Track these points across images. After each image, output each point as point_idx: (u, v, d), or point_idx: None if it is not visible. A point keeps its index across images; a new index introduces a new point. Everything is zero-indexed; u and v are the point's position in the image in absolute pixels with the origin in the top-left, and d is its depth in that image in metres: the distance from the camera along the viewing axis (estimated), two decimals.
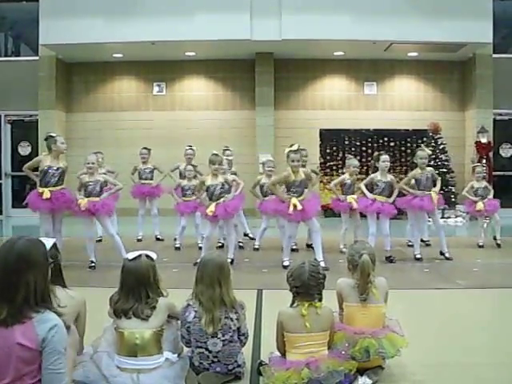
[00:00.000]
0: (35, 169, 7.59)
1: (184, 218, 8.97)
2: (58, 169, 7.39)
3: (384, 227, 8.02)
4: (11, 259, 2.46)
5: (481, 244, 9.30)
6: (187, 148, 9.33)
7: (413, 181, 8.30)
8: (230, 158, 9.36)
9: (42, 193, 7.25)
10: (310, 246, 8.68)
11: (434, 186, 8.27)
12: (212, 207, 7.41)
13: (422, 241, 8.87)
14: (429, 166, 8.83)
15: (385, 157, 8.19)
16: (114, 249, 7.54)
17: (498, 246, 9.24)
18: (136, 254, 3.51)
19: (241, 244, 9.00)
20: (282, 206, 7.49)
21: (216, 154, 7.60)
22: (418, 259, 8.05)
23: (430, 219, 8.71)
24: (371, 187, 8.19)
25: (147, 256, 3.51)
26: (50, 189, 7.29)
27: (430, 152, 8.41)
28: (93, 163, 7.53)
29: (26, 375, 2.42)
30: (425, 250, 8.77)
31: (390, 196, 8.12)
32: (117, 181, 7.95)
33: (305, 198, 7.37)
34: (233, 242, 7.79)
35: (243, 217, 9.54)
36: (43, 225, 7.38)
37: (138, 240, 9.65)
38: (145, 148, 10.08)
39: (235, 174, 9.22)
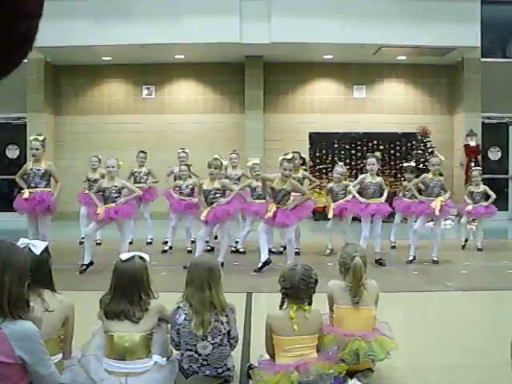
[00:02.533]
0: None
1: (175, 218, 8.95)
2: (38, 170, 7.38)
3: (376, 229, 8.04)
4: None
5: (463, 244, 9.48)
6: (180, 151, 9.37)
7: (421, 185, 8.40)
8: (235, 161, 9.50)
9: (23, 194, 7.32)
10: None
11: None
12: (205, 212, 7.44)
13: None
14: (419, 169, 8.86)
15: (370, 160, 8.21)
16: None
17: (479, 250, 9.28)
18: (129, 255, 3.49)
19: (233, 248, 8.96)
20: (262, 208, 7.57)
21: (216, 158, 7.58)
22: (434, 262, 8.10)
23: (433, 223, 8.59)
24: (362, 189, 8.20)
25: (140, 257, 3.49)
26: (31, 190, 7.30)
27: (444, 158, 8.42)
28: (113, 167, 7.48)
29: None
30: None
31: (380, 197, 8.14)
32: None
33: (288, 207, 7.37)
34: (225, 245, 7.77)
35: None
36: (29, 227, 7.39)
37: (129, 243, 9.59)
38: (142, 151, 10.03)
39: (239, 178, 9.39)
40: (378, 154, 8.64)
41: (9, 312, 2.44)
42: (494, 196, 9.34)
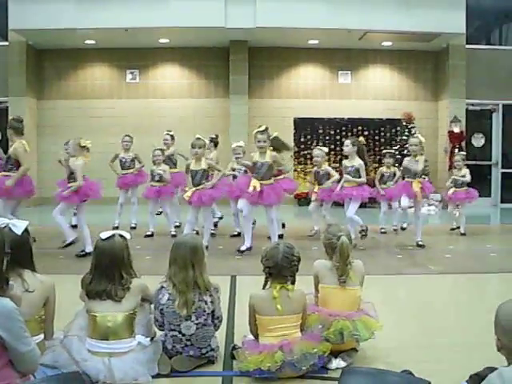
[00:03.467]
0: None
1: (150, 203, 9.05)
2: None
3: (351, 210, 7.89)
4: None
5: (453, 227, 9.51)
6: (165, 133, 9.52)
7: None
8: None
9: None
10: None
11: (426, 173, 8.32)
12: (189, 193, 7.40)
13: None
14: (405, 155, 8.84)
15: (346, 141, 8.08)
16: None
17: (463, 234, 9.33)
18: (109, 233, 3.44)
19: (213, 231, 8.92)
20: (243, 185, 7.55)
21: (198, 138, 7.51)
22: (420, 246, 8.12)
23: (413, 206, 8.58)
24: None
25: (120, 236, 3.44)
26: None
27: (424, 139, 8.39)
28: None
29: None
30: (397, 237, 8.87)
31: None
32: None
33: (271, 184, 7.40)
34: (208, 228, 7.76)
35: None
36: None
37: (114, 228, 9.52)
38: (127, 135, 9.90)
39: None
40: (362, 138, 8.63)
41: None
42: (468, 179, 9.36)
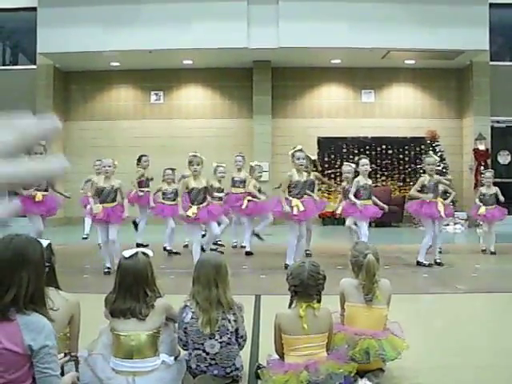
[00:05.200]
0: None
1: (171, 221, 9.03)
2: None
3: (363, 229, 7.93)
4: (6, 255, 2.41)
5: (483, 248, 9.25)
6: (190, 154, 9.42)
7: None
8: (239, 163, 9.47)
9: (34, 196, 7.31)
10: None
11: (444, 193, 8.27)
12: (194, 209, 7.24)
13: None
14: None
15: (364, 161, 8.11)
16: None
17: (493, 253, 9.16)
18: (132, 251, 3.43)
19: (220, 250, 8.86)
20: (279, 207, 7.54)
21: (194, 155, 7.42)
22: (419, 264, 8.00)
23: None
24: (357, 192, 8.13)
25: (143, 253, 3.45)
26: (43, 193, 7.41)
27: (438, 158, 8.35)
28: (109, 166, 7.47)
29: (11, 382, 2.36)
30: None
31: (370, 198, 8.08)
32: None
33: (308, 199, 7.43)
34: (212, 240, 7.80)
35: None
36: (32, 228, 7.35)
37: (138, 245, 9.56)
38: (143, 155, 9.94)
39: (244, 181, 9.34)
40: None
41: (24, 307, 2.41)
42: (502, 199, 9.22)
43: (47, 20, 12.77)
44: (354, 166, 8.86)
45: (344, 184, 8.75)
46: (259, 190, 8.89)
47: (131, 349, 3.26)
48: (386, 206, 8.18)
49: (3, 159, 0.67)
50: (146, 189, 9.59)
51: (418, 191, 8.20)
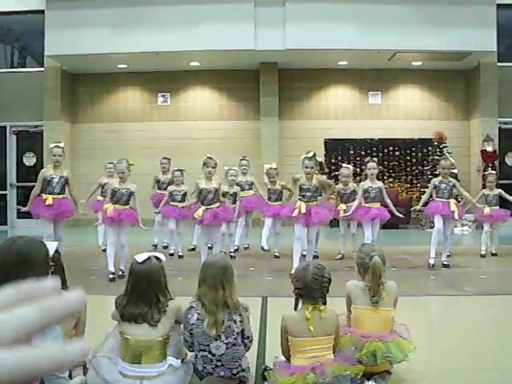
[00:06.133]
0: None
1: (172, 223, 9.03)
2: (61, 177, 7.41)
3: (374, 233, 8.04)
4: (10, 257, 2.40)
5: (483, 253, 9.16)
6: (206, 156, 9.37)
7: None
8: (245, 167, 9.53)
9: (46, 199, 7.28)
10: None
11: (455, 197, 8.30)
12: (200, 211, 7.27)
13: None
14: (436, 175, 8.73)
15: (371, 164, 8.15)
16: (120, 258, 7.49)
17: (494, 254, 9.12)
18: (145, 256, 3.38)
19: (232, 254, 8.87)
20: (285, 210, 7.64)
21: (210, 157, 7.46)
22: (445, 266, 8.02)
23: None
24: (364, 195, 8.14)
25: (156, 258, 3.41)
26: (54, 196, 7.32)
27: (453, 161, 8.38)
28: (123, 172, 7.46)
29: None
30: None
31: (380, 202, 8.13)
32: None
33: (316, 205, 7.40)
34: (217, 249, 7.68)
35: (239, 228, 9.38)
36: (45, 229, 7.35)
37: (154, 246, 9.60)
38: (165, 158, 9.90)
39: (252, 184, 9.52)
40: (375, 159, 8.64)
41: None
42: (510, 197, 9.20)
43: (55, 22, 12.82)
44: (352, 168, 8.94)
45: (339, 186, 8.76)
46: (224, 195, 8.65)
47: (140, 354, 3.25)
48: (395, 212, 8.15)
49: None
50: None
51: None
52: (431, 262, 8.00)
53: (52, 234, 7.25)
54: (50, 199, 7.27)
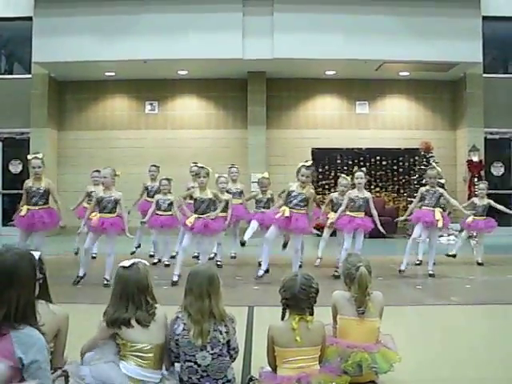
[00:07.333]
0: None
1: (155, 232, 9.03)
2: (39, 189, 7.39)
3: (358, 243, 8.02)
4: None
5: (479, 261, 9.20)
6: (192, 165, 9.34)
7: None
8: (235, 175, 9.58)
9: (21, 211, 7.34)
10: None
11: (441, 206, 8.40)
12: (191, 219, 7.31)
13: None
14: (423, 184, 8.81)
15: (358, 173, 8.18)
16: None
17: (480, 264, 9.20)
18: (130, 262, 3.45)
19: (219, 263, 8.86)
20: (270, 214, 7.69)
21: (201, 167, 7.49)
22: (431, 275, 8.10)
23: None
24: (349, 203, 8.13)
25: (141, 263, 3.48)
26: (31, 207, 7.33)
27: (440, 170, 8.47)
28: (105, 177, 7.45)
29: None
30: (416, 268, 8.77)
31: (365, 212, 8.13)
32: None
33: (302, 213, 7.40)
34: (205, 259, 7.68)
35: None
36: (19, 239, 7.33)
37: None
38: (154, 165, 9.91)
39: (241, 192, 9.55)
40: (363, 169, 8.65)
41: (16, 322, 2.36)
42: (500, 207, 9.28)
43: (42, 29, 12.78)
44: (349, 179, 8.91)
45: (334, 195, 8.72)
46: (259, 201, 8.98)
47: (142, 358, 3.29)
48: (379, 226, 8.12)
49: None
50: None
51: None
52: (402, 267, 8.08)
53: (25, 243, 7.15)
54: (24, 210, 7.32)
